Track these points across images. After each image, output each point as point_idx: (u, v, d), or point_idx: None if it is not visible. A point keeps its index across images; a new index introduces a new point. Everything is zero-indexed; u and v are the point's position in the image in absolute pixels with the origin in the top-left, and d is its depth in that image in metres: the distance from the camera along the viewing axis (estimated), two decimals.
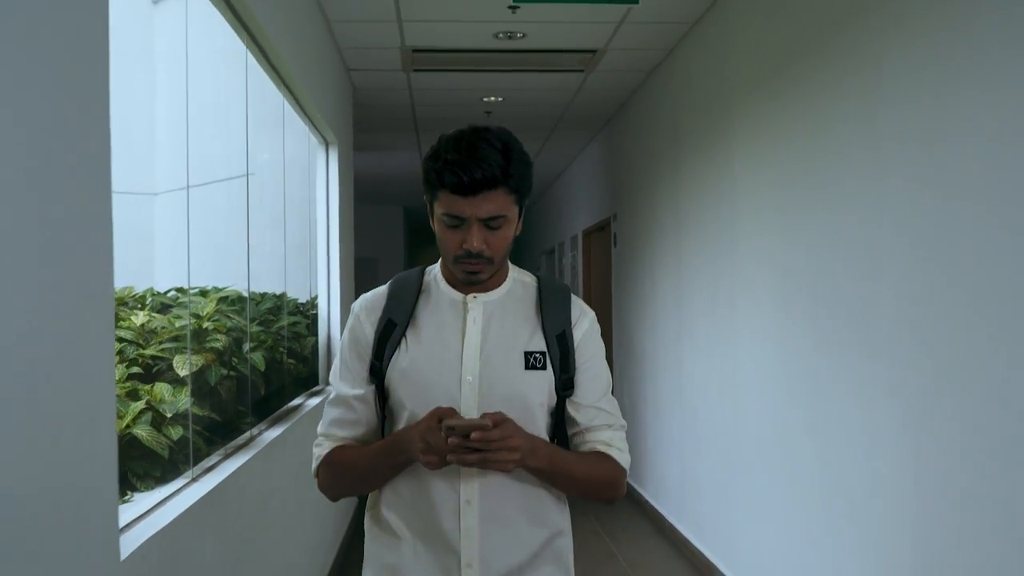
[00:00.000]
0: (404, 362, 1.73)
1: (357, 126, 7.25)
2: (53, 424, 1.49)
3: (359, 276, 7.05)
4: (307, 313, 5.33)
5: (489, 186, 1.60)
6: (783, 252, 4.00)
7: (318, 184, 5.81)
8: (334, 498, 1.85)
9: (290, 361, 4.61)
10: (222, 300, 3.59)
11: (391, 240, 14.98)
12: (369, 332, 1.77)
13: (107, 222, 1.75)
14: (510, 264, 1.84)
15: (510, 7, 4.62)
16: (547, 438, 1.76)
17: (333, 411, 1.81)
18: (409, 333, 1.75)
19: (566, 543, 1.80)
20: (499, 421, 1.55)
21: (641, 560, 5.39)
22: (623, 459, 1.79)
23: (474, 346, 1.73)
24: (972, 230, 2.56)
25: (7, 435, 1.34)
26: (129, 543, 1.88)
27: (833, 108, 3.45)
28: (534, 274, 1.87)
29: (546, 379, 1.74)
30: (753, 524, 4.40)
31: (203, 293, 3.50)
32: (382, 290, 1.82)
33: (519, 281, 1.84)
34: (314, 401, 4.76)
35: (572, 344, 1.77)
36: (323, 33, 5.06)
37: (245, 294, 3.87)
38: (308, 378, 5.14)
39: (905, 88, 2.91)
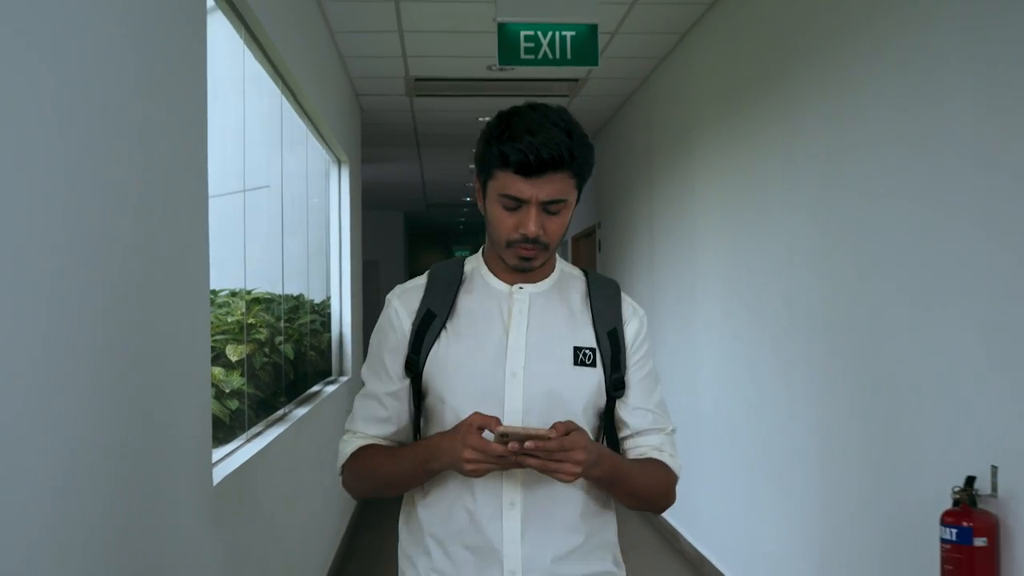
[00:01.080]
0: (444, 355, 1.64)
1: (364, 142, 7.98)
2: (176, 391, 2.21)
3: (362, 278, 7.78)
4: (322, 312, 6.06)
5: (554, 167, 1.52)
6: (728, 260, 4.73)
7: (331, 197, 6.55)
8: (359, 497, 1.77)
9: (311, 353, 5.35)
10: (254, 301, 4.32)
11: (392, 244, 15.77)
12: (406, 323, 1.68)
13: (204, 222, 2.45)
14: (557, 256, 1.75)
15: (494, 68, 5.33)
16: (594, 437, 1.68)
17: (363, 407, 1.72)
18: (449, 324, 1.66)
19: (614, 542, 1.73)
20: (568, 430, 1.46)
21: None
22: (675, 465, 1.71)
23: (520, 338, 1.63)
24: (867, 241, 3.29)
25: (151, 400, 2.06)
26: (217, 475, 2.61)
27: (765, 138, 4.18)
28: (581, 269, 1.79)
29: (596, 377, 1.65)
30: (710, 495, 5.12)
31: (233, 294, 4.23)
32: (420, 280, 1.73)
33: (567, 274, 1.75)
34: (330, 388, 5.51)
35: (623, 342, 1.69)
36: (337, 66, 5.79)
37: (275, 295, 4.59)
38: (325, 370, 5.89)
39: (814, 123, 3.64)
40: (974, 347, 2.56)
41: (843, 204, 3.38)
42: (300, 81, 4.26)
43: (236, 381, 3.42)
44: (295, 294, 5.48)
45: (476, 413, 1.51)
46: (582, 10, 3.49)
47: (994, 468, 2.45)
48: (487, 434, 1.48)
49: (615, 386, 1.66)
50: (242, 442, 3.28)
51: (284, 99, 4.43)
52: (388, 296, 1.74)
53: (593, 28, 3.46)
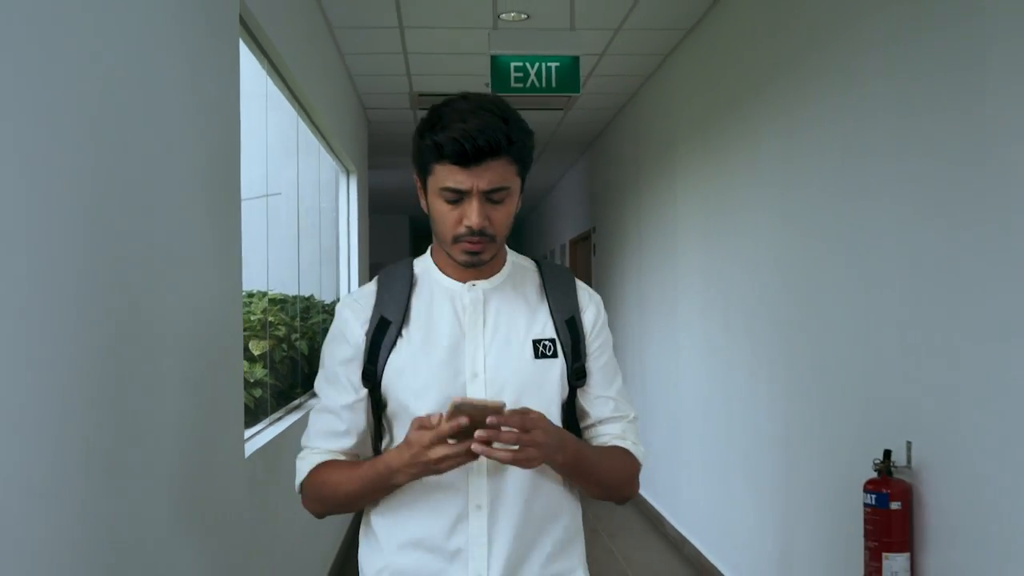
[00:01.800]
0: (401, 362, 1.59)
1: (371, 151, 8.43)
2: (216, 380, 2.65)
3: (369, 279, 8.22)
4: (332, 312, 6.49)
5: (492, 154, 1.49)
6: (704, 261, 5.17)
7: (340, 204, 7.00)
8: (320, 515, 1.70)
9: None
10: (272, 301, 4.77)
11: (397, 246, 16.22)
12: (359, 333, 1.62)
13: (238, 226, 2.90)
14: (507, 248, 1.70)
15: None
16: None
17: (319, 421, 1.67)
18: (405, 330, 1.61)
19: (580, 539, 1.70)
20: (523, 411, 1.45)
21: (596, 511, 6.55)
22: (638, 452, 1.70)
23: (477, 337, 1.60)
24: (813, 242, 3.73)
25: (199, 387, 2.50)
26: (247, 450, 3.05)
27: (733, 149, 4.62)
28: (532, 259, 1.75)
29: (558, 367, 1.62)
30: (690, 479, 5.56)
31: (250, 295, 4.67)
32: (369, 287, 1.68)
33: (518, 265, 1.71)
34: None
35: (582, 330, 1.66)
36: (346, 83, 6.23)
37: (288, 296, 5.04)
38: None
39: (773, 148, 4.08)
40: (893, 340, 2.99)
41: (796, 207, 3.82)
42: (312, 100, 4.70)
43: (259, 373, 3.86)
44: (306, 295, 5.93)
45: (416, 418, 1.49)
46: (565, 45, 3.93)
47: (908, 443, 2.89)
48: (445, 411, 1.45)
49: (577, 375, 1.64)
50: (265, 425, 3.73)
51: (298, 116, 4.87)
52: (338, 307, 1.69)
53: (575, 60, 3.90)
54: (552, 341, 1.63)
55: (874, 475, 2.94)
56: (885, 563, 2.85)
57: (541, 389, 1.61)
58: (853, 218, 3.28)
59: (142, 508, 1.98)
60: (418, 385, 1.58)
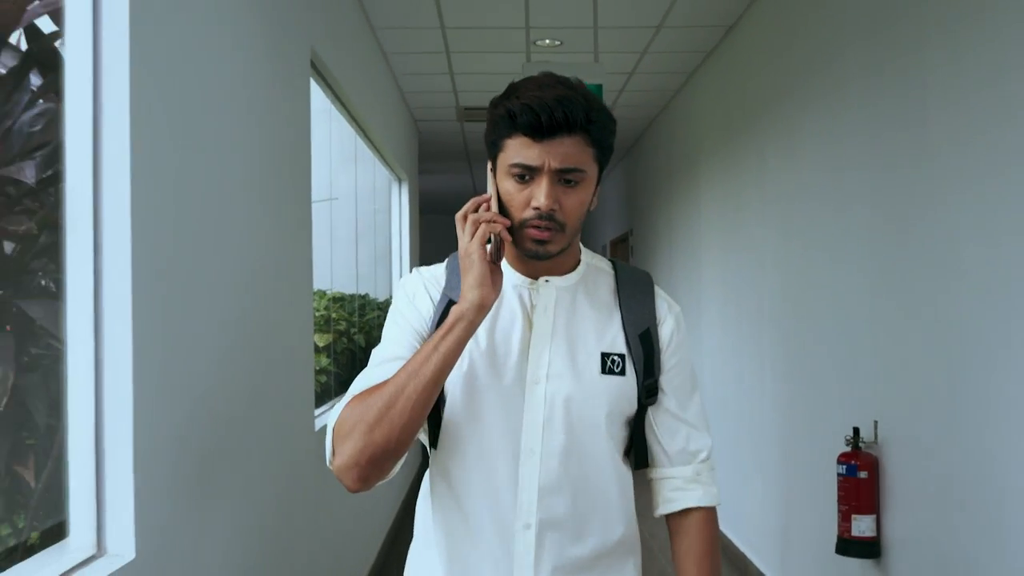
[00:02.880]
0: (466, 358, 1.45)
1: (421, 158, 9.04)
2: (293, 366, 3.24)
3: None
4: (384, 309, 7.11)
5: (568, 129, 1.38)
6: (721, 264, 5.67)
7: (392, 208, 7.61)
8: (354, 463, 1.34)
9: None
10: (333, 299, 5.37)
11: (447, 246, 16.73)
12: (428, 306, 1.51)
13: (309, 228, 3.48)
14: (582, 246, 1.59)
15: None
16: (621, 452, 1.55)
17: (370, 376, 1.44)
18: None
19: (637, 557, 1.62)
20: None
21: None
22: (710, 497, 1.59)
23: (544, 340, 1.48)
24: (808, 248, 4.23)
25: (281, 371, 3.08)
26: (316, 424, 3.64)
27: (745, 165, 5.12)
28: (609, 259, 1.62)
29: (626, 386, 1.50)
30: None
31: (316, 293, 5.28)
32: (438, 268, 1.56)
33: (593, 267, 1.58)
34: None
35: (658, 344, 1.54)
36: (399, 100, 6.83)
37: (345, 294, 5.64)
38: None
39: (776, 169, 4.58)
40: (864, 336, 3.48)
41: (795, 218, 4.32)
42: (368, 118, 5.29)
43: (324, 362, 4.46)
44: (362, 293, 6.53)
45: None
46: (590, 73, 4.47)
47: (875, 422, 3.38)
48: None
49: (648, 392, 1.53)
50: (328, 407, 4.32)
51: (356, 133, 5.46)
52: (403, 280, 1.57)
53: (598, 88, 4.43)
54: (621, 357, 1.50)
55: (847, 449, 3.44)
56: (854, 523, 3.34)
57: (604, 408, 1.49)
58: (832, 227, 3.77)
59: (249, 464, 2.57)
60: (477, 384, 1.46)
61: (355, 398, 1.38)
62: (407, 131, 7.54)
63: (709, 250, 6.06)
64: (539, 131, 1.38)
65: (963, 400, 2.78)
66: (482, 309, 1.38)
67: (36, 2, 1.94)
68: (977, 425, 2.70)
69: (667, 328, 1.57)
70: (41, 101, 2.02)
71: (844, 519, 3.38)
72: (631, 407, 1.53)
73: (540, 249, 1.43)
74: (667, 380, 1.56)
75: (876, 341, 3.39)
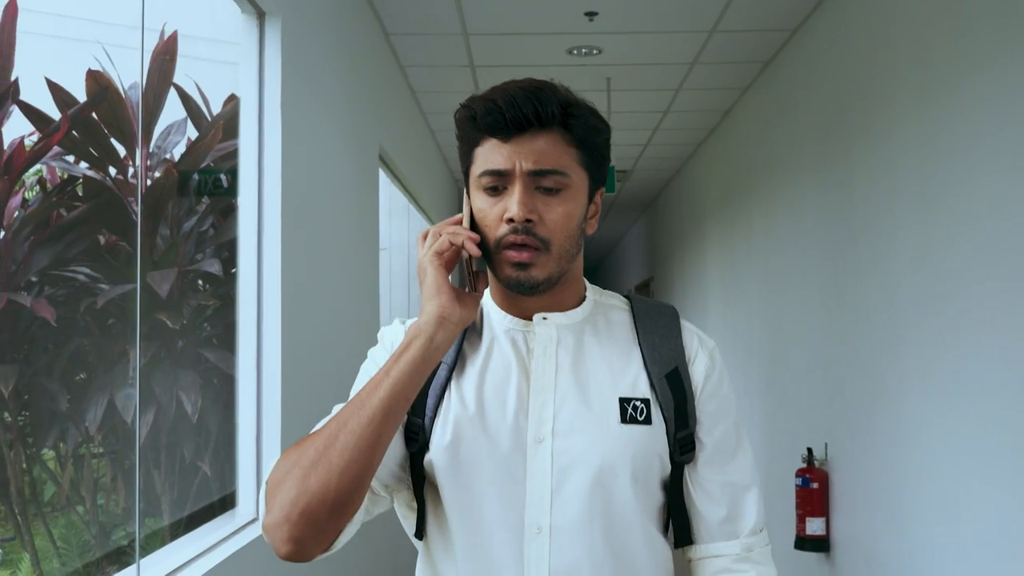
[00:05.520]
0: (451, 417, 1.24)
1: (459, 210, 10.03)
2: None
3: None
4: None
5: (540, 123, 1.18)
6: (723, 307, 6.57)
7: None
8: (291, 533, 1.10)
9: None
10: None
11: None
12: None
13: (376, 273, 4.42)
14: (587, 283, 1.35)
15: None
16: (657, 525, 1.28)
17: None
18: (456, 374, 1.27)
19: None
20: None
21: None
22: None
23: (546, 390, 1.24)
24: (786, 308, 5.12)
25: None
26: None
27: (740, 230, 6.03)
28: (623, 294, 1.38)
29: (654, 437, 1.24)
30: None
31: None
32: None
33: (602, 304, 1.34)
34: None
35: (689, 387, 1.28)
36: (440, 162, 7.82)
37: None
38: None
39: (760, 228, 5.48)
40: (818, 371, 4.36)
41: (774, 272, 5.21)
42: (418, 185, 6.27)
43: None
44: None
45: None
46: None
47: (826, 444, 4.25)
48: None
49: (683, 447, 1.27)
50: None
51: (406, 198, 6.44)
52: (382, 330, 1.36)
53: (611, 169, 5.36)
54: (645, 402, 1.25)
55: (803, 465, 4.31)
56: (808, 524, 4.20)
57: (629, 466, 1.22)
58: (797, 280, 4.67)
59: None
60: (466, 454, 1.23)
61: (292, 446, 1.16)
62: (446, 185, 8.55)
63: (714, 297, 6.96)
64: (504, 128, 1.19)
65: (884, 426, 3.65)
66: (442, 322, 1.17)
67: (220, 145, 2.91)
68: (895, 446, 3.56)
69: (700, 367, 1.31)
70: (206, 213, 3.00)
71: (800, 521, 4.24)
72: (663, 466, 1.26)
73: (522, 275, 1.21)
74: (705, 431, 1.29)
75: (827, 377, 4.26)
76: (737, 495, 1.32)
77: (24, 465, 2.56)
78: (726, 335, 6.49)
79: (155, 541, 2.61)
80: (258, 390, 2.76)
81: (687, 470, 1.30)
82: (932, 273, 3.13)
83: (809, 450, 4.30)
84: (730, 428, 1.33)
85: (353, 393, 1.23)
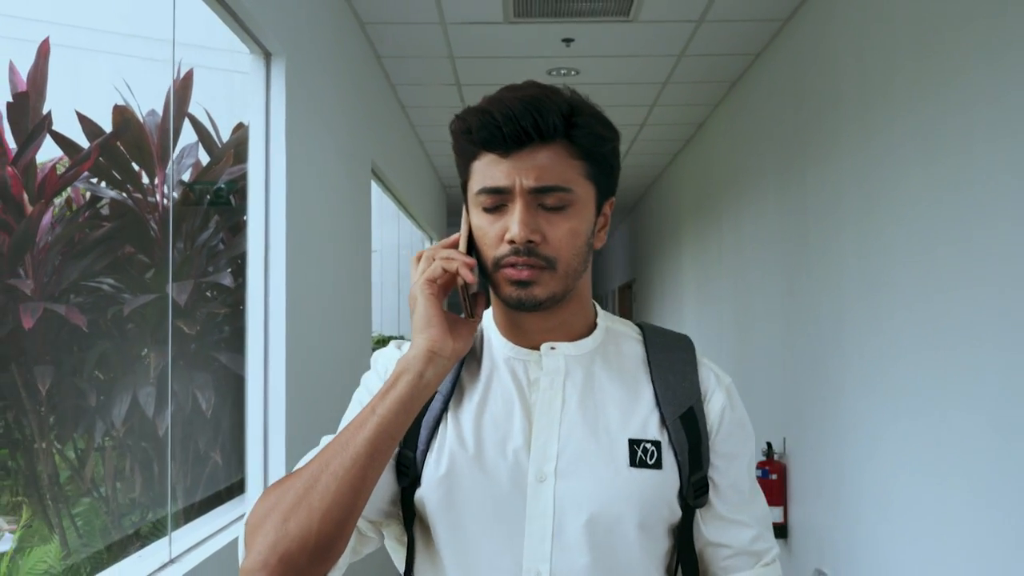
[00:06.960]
0: (445, 453, 1.17)
1: (449, 212, 10.37)
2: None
3: None
4: None
5: (540, 136, 1.10)
6: (698, 310, 6.92)
7: None
8: (266, 564, 1.06)
9: None
10: (378, 341, 6.65)
11: None
12: None
13: (368, 274, 4.76)
14: (598, 307, 1.28)
15: None
16: (663, 570, 1.20)
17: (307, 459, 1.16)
18: (453, 406, 1.20)
19: None
20: None
21: None
22: None
23: (552, 425, 1.16)
24: (752, 314, 5.47)
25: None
26: None
27: (711, 235, 6.38)
28: (636, 323, 1.30)
29: (664, 483, 1.17)
30: None
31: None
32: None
33: (614, 331, 1.26)
34: None
35: (704, 427, 1.21)
36: (429, 171, 8.15)
37: (385, 336, 6.92)
38: None
39: (729, 237, 5.84)
40: (778, 371, 4.71)
41: (741, 280, 5.57)
42: (406, 195, 6.59)
43: None
44: (399, 335, 7.81)
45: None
46: None
47: (784, 438, 4.60)
48: None
49: (696, 491, 1.19)
50: None
51: (396, 206, 6.77)
52: (376, 354, 1.31)
53: None
54: (656, 445, 1.18)
55: (763, 458, 4.66)
56: None
57: (636, 513, 1.16)
58: (761, 288, 5.02)
59: None
60: (461, 491, 1.16)
61: (274, 484, 1.12)
62: (435, 193, 8.88)
63: (689, 299, 7.31)
64: (503, 143, 1.12)
65: (830, 422, 4.00)
66: (432, 357, 1.11)
67: (230, 169, 3.24)
68: (838, 440, 3.91)
69: (716, 405, 1.25)
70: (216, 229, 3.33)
71: None
72: (672, 512, 1.19)
73: (523, 294, 1.14)
74: (719, 474, 1.22)
75: (785, 376, 4.62)
76: (752, 531, 1.23)
77: (56, 457, 2.90)
78: (700, 335, 6.84)
79: (176, 521, 2.94)
80: (265, 388, 3.09)
81: (699, 515, 1.21)
82: (869, 282, 3.48)
83: (768, 444, 4.65)
84: (743, 472, 1.25)
85: (343, 424, 1.18)
